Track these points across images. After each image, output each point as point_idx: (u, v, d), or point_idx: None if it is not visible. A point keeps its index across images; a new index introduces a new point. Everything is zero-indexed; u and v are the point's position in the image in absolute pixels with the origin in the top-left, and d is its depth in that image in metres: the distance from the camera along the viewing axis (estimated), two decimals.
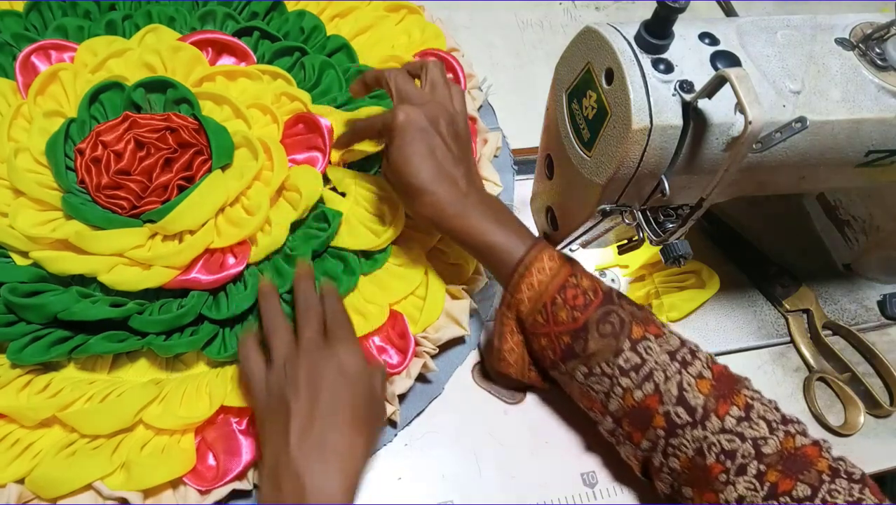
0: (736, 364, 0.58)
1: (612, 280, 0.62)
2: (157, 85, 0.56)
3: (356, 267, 0.53)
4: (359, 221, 0.55)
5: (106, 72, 0.57)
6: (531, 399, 0.54)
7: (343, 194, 0.57)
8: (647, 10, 0.37)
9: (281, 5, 0.66)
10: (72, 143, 0.53)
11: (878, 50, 0.42)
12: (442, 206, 0.47)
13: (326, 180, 0.57)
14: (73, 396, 0.46)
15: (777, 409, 0.42)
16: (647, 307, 0.47)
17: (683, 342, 0.44)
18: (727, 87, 0.34)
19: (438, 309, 0.53)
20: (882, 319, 0.63)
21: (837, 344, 0.60)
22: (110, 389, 0.47)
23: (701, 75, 0.37)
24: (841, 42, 0.43)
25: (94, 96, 0.55)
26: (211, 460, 0.47)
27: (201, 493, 0.45)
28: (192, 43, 0.59)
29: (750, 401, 0.42)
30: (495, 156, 0.65)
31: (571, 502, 0.50)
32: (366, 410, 0.44)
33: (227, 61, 0.62)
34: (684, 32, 0.40)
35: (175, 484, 0.45)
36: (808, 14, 0.44)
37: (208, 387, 0.48)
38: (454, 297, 0.55)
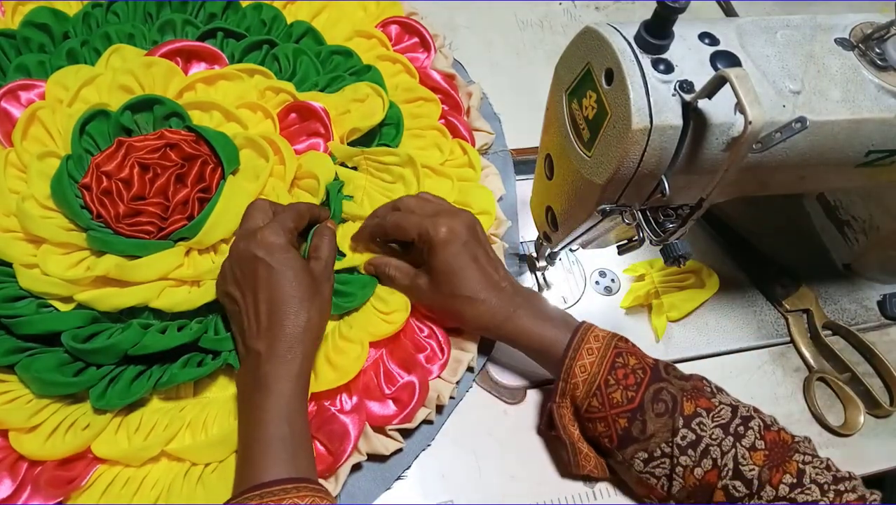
0: (736, 364, 0.59)
1: (613, 280, 0.62)
2: (143, 104, 0.56)
3: None
4: (377, 192, 0.57)
5: (82, 102, 0.56)
6: (531, 399, 0.54)
7: (354, 168, 0.58)
8: (647, 10, 0.37)
9: (235, 3, 0.66)
10: (72, 181, 0.52)
11: (878, 50, 0.42)
12: (493, 313, 0.49)
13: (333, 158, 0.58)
14: (174, 429, 0.46)
15: (829, 467, 0.43)
16: (698, 378, 0.47)
17: (735, 411, 0.44)
18: (727, 87, 0.34)
19: None
20: (882, 319, 0.63)
21: (837, 344, 0.60)
22: (204, 412, 0.48)
23: (701, 75, 0.37)
24: (841, 42, 0.43)
25: (82, 129, 0.54)
26: (319, 447, 0.48)
27: (325, 478, 0.47)
28: (161, 55, 0.59)
29: (802, 466, 0.42)
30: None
31: (571, 502, 0.50)
32: (299, 285, 0.46)
33: (198, 68, 0.61)
34: (684, 32, 0.40)
35: None
36: (808, 14, 0.44)
37: None
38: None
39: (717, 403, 0.45)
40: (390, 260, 0.54)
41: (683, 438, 0.43)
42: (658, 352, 0.58)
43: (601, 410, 0.45)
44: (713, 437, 0.43)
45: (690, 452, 0.43)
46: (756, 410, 0.46)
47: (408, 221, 0.50)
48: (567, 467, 0.49)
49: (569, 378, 0.46)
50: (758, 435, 0.43)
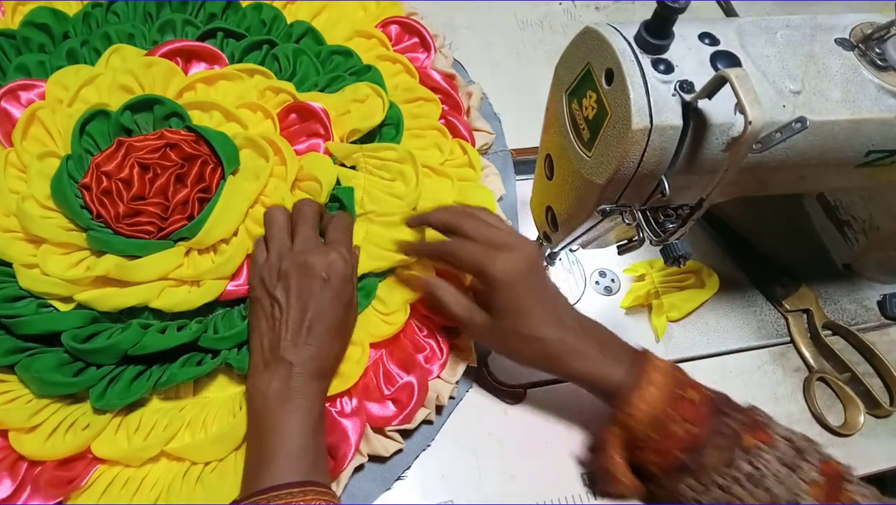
0: (736, 364, 0.59)
1: (613, 280, 0.62)
2: (143, 104, 0.56)
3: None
4: (379, 190, 0.57)
5: (82, 102, 0.56)
6: (531, 399, 0.54)
7: (353, 168, 0.58)
8: (647, 10, 0.37)
9: (235, 3, 0.66)
10: (72, 181, 0.52)
11: (878, 50, 0.42)
12: (558, 352, 0.47)
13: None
14: (173, 428, 0.46)
15: (879, 497, 0.42)
16: (752, 409, 0.46)
17: (792, 443, 0.43)
18: (727, 87, 0.34)
19: None
20: (882, 319, 0.63)
21: (837, 344, 0.60)
22: (203, 412, 0.48)
23: (701, 75, 0.37)
24: (841, 42, 0.43)
25: (82, 129, 0.54)
26: None
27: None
28: (161, 55, 0.59)
29: (852, 496, 0.42)
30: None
31: (571, 502, 0.50)
32: (344, 317, 0.48)
33: (198, 68, 0.61)
34: (684, 32, 0.40)
35: None
36: (808, 14, 0.44)
37: None
38: None
39: (774, 436, 0.43)
40: (447, 285, 0.50)
41: (739, 469, 0.42)
42: (658, 352, 0.58)
43: (658, 441, 0.44)
44: (770, 470, 0.42)
45: (747, 484, 0.42)
46: (807, 438, 0.45)
47: (465, 252, 0.47)
48: (601, 487, 0.49)
49: (626, 409, 0.44)
50: (815, 468, 0.42)
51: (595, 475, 0.51)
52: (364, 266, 0.53)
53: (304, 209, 0.52)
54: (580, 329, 0.48)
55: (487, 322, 0.48)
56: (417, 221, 0.53)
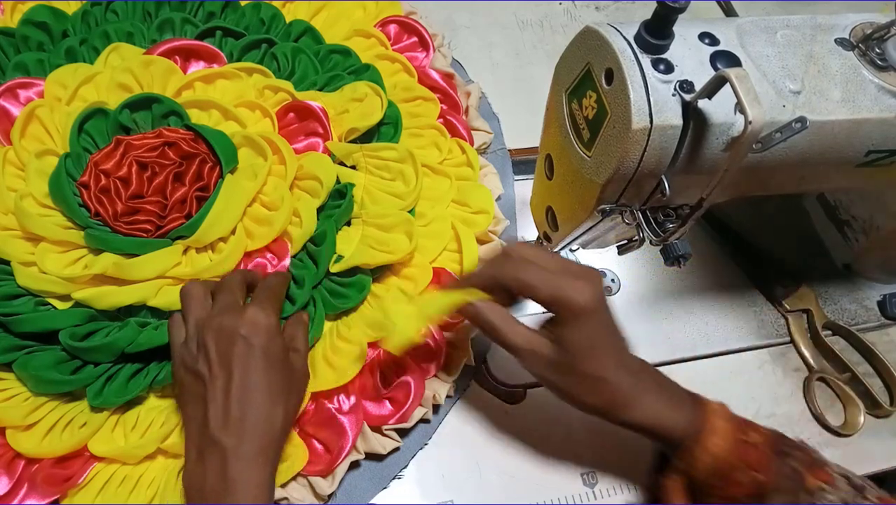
0: (736, 364, 0.59)
1: (613, 280, 0.62)
2: (141, 103, 0.56)
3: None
4: (377, 189, 0.57)
5: (81, 101, 0.56)
6: (531, 399, 0.54)
7: (353, 167, 0.58)
8: (647, 10, 0.37)
9: (234, 2, 0.66)
10: (70, 179, 0.52)
11: (878, 50, 0.42)
12: (616, 397, 0.43)
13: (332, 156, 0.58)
14: (170, 426, 0.46)
15: None
16: (806, 446, 0.44)
17: (851, 483, 0.43)
18: (727, 87, 0.34)
19: (475, 256, 0.55)
20: (882, 319, 0.63)
21: (837, 344, 0.60)
22: None
23: (701, 75, 0.37)
24: (841, 42, 0.43)
25: (81, 127, 0.54)
26: (318, 446, 0.48)
27: (324, 476, 0.47)
28: (159, 54, 0.59)
29: None
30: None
31: (571, 502, 0.50)
32: (279, 377, 0.43)
33: (197, 66, 0.61)
34: (684, 32, 0.40)
35: (296, 478, 0.47)
36: (808, 14, 0.44)
37: None
38: (483, 241, 0.57)
39: (833, 475, 0.43)
40: (501, 310, 0.43)
41: None
42: (660, 352, 0.58)
43: (723, 489, 0.43)
44: None
45: None
46: (852, 474, 0.44)
47: (537, 278, 0.41)
48: None
49: (688, 460, 0.43)
50: (876, 503, 0.42)
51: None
52: (355, 261, 0.52)
53: (224, 278, 0.48)
54: (642, 371, 0.44)
55: (553, 355, 0.42)
56: (466, 283, 0.45)
